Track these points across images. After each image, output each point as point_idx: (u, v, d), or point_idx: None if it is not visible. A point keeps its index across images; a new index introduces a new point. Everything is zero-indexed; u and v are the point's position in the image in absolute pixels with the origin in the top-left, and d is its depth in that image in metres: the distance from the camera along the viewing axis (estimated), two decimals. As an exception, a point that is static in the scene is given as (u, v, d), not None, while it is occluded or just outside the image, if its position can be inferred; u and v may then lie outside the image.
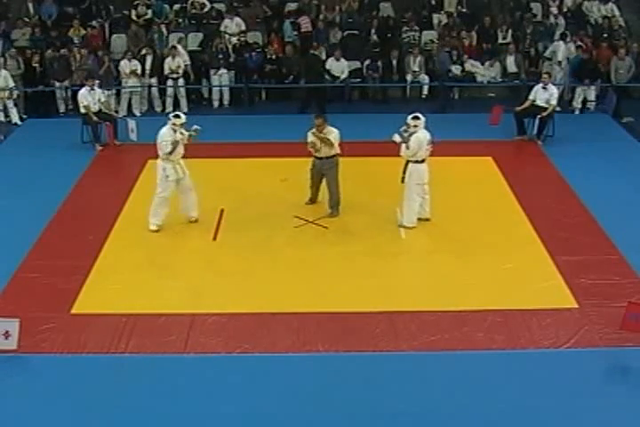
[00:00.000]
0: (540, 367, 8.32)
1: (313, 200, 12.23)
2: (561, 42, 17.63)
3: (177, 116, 11.08)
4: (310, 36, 18.36)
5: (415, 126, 11.05)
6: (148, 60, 17.09)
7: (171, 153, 10.99)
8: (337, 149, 11.62)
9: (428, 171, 11.34)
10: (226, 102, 17.69)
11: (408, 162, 11.23)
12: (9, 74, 16.28)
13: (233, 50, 17.79)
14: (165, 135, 10.99)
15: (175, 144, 10.96)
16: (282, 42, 18.26)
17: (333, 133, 11.58)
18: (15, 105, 16.47)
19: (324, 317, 9.20)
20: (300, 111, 16.64)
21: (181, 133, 11.04)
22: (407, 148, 11.04)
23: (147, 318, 9.19)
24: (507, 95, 17.70)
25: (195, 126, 11.22)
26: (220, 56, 17.42)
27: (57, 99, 16.91)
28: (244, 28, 18.46)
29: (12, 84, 16.24)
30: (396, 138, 11.15)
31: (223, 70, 17.42)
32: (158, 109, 17.35)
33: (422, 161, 11.21)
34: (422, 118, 11.11)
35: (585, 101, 17.12)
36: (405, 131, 11.12)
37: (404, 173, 11.27)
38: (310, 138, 11.61)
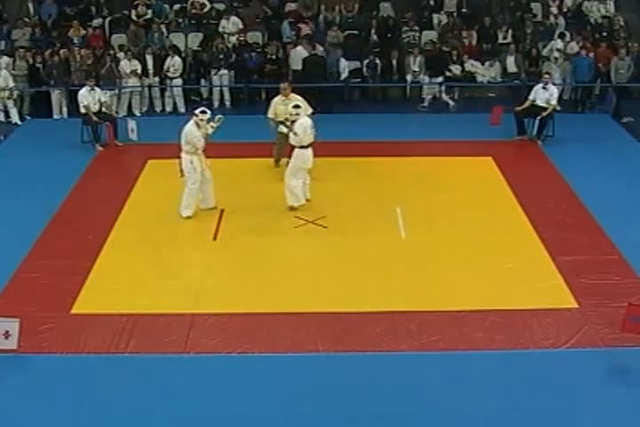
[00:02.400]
0: (540, 367, 8.32)
1: (277, 161, 13.29)
2: (558, 40, 17.66)
3: (203, 112, 11.47)
4: (310, 38, 18.33)
5: (297, 115, 11.63)
6: (149, 59, 17.14)
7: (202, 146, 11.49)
8: (309, 110, 12.79)
9: (312, 157, 11.71)
10: (227, 102, 17.71)
11: (293, 147, 11.72)
12: (9, 74, 16.30)
13: (233, 50, 17.80)
14: (194, 131, 11.40)
15: (207, 137, 11.49)
16: (281, 42, 18.26)
17: (301, 100, 12.83)
18: (15, 105, 16.48)
19: (324, 317, 9.20)
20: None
21: (209, 128, 11.52)
22: (295, 135, 11.57)
23: (147, 318, 9.19)
24: (507, 95, 17.71)
25: (218, 116, 11.69)
26: (221, 56, 17.44)
27: (53, 104, 16.78)
28: (241, 26, 18.46)
29: (12, 84, 16.25)
30: (283, 129, 11.95)
31: (224, 71, 17.44)
32: (158, 109, 17.40)
33: (307, 146, 11.62)
34: (303, 106, 11.91)
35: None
36: (287, 120, 11.81)
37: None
38: (279, 107, 12.96)
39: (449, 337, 8.84)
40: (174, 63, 17.20)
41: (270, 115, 13.29)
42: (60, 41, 17.76)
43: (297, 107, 11.79)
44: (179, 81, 17.32)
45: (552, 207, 12.06)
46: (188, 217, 11.69)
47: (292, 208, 11.80)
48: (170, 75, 17.20)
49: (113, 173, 13.86)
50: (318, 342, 8.77)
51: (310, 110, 12.89)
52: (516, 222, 11.60)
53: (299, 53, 17.43)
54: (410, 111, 17.06)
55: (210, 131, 11.55)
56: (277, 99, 13.35)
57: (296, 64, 17.41)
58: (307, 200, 12.06)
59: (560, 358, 8.48)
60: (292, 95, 13.20)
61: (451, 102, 17.32)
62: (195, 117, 11.45)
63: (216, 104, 17.67)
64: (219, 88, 17.65)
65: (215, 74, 17.47)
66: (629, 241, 10.83)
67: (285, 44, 18.17)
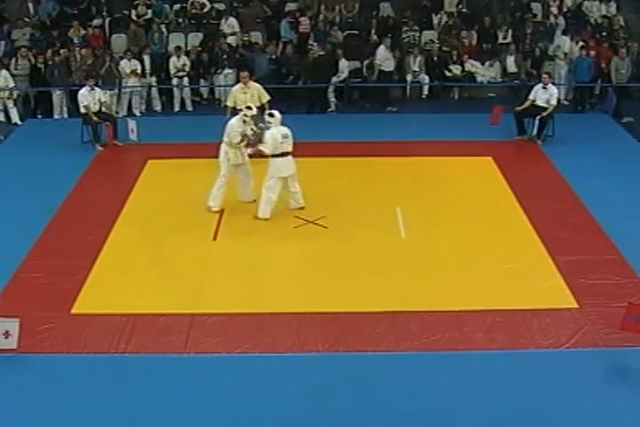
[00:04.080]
0: (540, 367, 8.32)
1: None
2: (567, 38, 17.73)
3: (249, 108, 11.68)
4: (307, 37, 18.36)
5: (270, 123, 11.41)
6: (147, 59, 17.16)
7: (239, 143, 11.57)
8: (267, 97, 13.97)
9: (289, 165, 11.48)
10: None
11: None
12: (9, 74, 16.30)
13: (235, 50, 17.78)
14: (235, 126, 11.61)
15: (244, 136, 11.56)
16: (279, 42, 18.25)
17: (260, 87, 13.95)
18: (15, 105, 16.48)
19: (324, 317, 9.20)
20: (307, 111, 16.78)
21: (251, 128, 11.60)
22: (262, 142, 11.46)
23: (147, 318, 9.19)
24: (507, 95, 17.71)
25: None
26: (225, 56, 17.45)
27: (54, 104, 16.80)
28: (237, 29, 18.45)
29: (12, 84, 16.25)
30: (248, 131, 11.59)
31: (229, 70, 17.45)
32: (157, 109, 17.43)
33: (281, 155, 11.38)
34: (277, 116, 11.45)
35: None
36: (267, 127, 11.45)
37: None
38: (239, 95, 13.76)
39: (449, 337, 8.83)
40: (184, 62, 17.27)
41: (230, 103, 13.89)
42: (60, 41, 17.77)
43: (271, 115, 11.46)
44: (186, 80, 17.45)
45: (552, 207, 12.06)
46: (210, 209, 11.78)
47: (256, 218, 11.58)
48: (181, 74, 17.26)
49: (113, 173, 13.86)
50: (318, 342, 8.77)
51: (268, 97, 13.92)
52: (516, 222, 11.60)
53: (383, 52, 17.43)
54: (410, 111, 17.07)
55: (248, 130, 11.61)
56: (237, 87, 14.13)
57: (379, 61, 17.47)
58: (301, 208, 11.81)
59: (560, 358, 8.48)
60: (251, 83, 13.97)
61: (334, 100, 17.40)
62: (240, 113, 11.70)
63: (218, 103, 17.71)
64: (222, 88, 17.65)
65: (220, 73, 17.46)
66: (629, 241, 10.82)
67: (285, 43, 18.16)
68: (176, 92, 17.45)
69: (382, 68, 17.38)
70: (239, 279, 10.12)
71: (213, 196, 11.84)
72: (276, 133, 11.31)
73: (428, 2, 19.70)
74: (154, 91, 17.37)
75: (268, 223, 11.52)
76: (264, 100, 13.86)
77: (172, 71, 17.28)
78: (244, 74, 14.16)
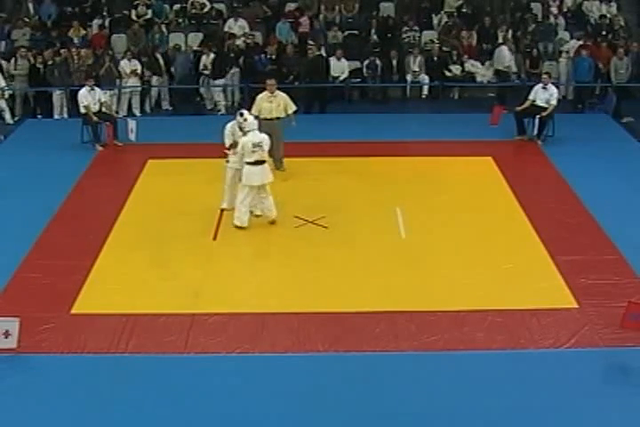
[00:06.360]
0: (540, 367, 8.31)
1: (277, 162, 13.04)
2: (573, 40, 17.77)
3: (241, 115, 11.38)
4: (307, 37, 18.35)
5: (244, 126, 11.17)
6: (160, 59, 17.20)
7: (229, 148, 11.51)
8: (293, 107, 13.17)
9: (262, 174, 11.12)
10: (236, 102, 17.66)
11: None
12: (1, 75, 16.30)
13: (242, 51, 17.77)
14: (228, 128, 11.57)
15: (236, 143, 11.40)
16: (278, 42, 18.25)
17: (286, 97, 13.06)
18: (8, 105, 16.46)
19: (324, 317, 9.20)
20: (304, 112, 16.77)
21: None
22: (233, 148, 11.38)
23: (147, 318, 9.19)
24: (506, 95, 17.70)
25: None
26: (232, 55, 17.44)
27: (54, 104, 16.78)
28: (247, 30, 18.45)
29: (3, 83, 16.24)
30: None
31: (235, 69, 17.43)
32: (166, 108, 17.44)
33: (254, 163, 11.03)
34: (249, 118, 11.16)
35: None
36: (244, 132, 11.18)
37: None
38: (265, 104, 12.85)
39: (449, 337, 8.83)
40: (211, 60, 17.23)
41: (254, 112, 12.71)
42: (60, 41, 17.77)
43: (241, 115, 11.21)
44: (221, 80, 17.39)
45: (552, 207, 12.06)
46: (222, 209, 11.74)
47: (235, 226, 11.36)
48: (206, 72, 17.23)
49: (113, 173, 13.87)
50: (318, 342, 8.76)
51: (294, 108, 13.14)
52: (516, 222, 11.60)
53: (508, 55, 17.48)
54: (410, 111, 17.07)
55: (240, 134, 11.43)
56: (262, 95, 13.07)
57: (500, 63, 17.55)
58: (271, 221, 11.44)
59: (560, 358, 8.48)
60: (278, 92, 13.07)
61: (223, 102, 17.42)
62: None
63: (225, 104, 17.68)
64: (228, 88, 17.63)
65: (227, 73, 17.44)
66: (629, 241, 10.83)
67: (285, 43, 18.15)
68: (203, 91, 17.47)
69: (500, 68, 17.51)
70: (239, 279, 10.12)
71: (224, 195, 11.78)
72: (248, 142, 10.99)
73: (427, 2, 19.71)
74: (164, 90, 17.35)
75: (267, 223, 11.51)
76: (290, 111, 13.06)
77: (201, 68, 17.25)
78: (271, 82, 13.10)
